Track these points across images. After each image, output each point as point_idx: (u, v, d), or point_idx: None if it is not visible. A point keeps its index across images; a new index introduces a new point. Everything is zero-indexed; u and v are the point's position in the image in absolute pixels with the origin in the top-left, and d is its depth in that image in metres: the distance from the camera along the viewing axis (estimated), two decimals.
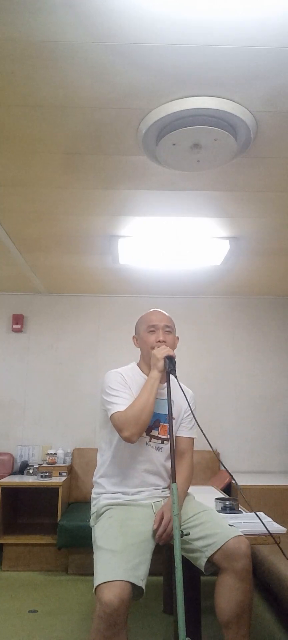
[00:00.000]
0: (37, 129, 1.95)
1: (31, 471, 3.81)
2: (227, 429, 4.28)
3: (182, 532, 1.59)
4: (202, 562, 1.71)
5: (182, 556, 1.78)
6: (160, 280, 4.03)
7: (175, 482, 1.60)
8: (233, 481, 3.56)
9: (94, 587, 1.55)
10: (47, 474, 3.64)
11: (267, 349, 4.47)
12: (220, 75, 1.65)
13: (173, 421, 1.99)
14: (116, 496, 1.89)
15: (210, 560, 1.69)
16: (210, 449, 4.06)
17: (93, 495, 1.98)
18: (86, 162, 2.20)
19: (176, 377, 1.85)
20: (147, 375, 1.92)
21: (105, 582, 1.51)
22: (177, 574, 1.50)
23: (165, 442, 1.94)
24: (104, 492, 1.92)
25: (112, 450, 1.93)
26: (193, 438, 2.04)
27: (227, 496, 2.67)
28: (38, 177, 2.34)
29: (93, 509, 1.93)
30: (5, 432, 4.21)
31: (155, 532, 1.74)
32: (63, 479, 3.66)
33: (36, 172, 2.29)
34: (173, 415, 1.99)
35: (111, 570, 1.55)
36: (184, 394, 1.88)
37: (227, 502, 2.19)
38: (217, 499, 2.21)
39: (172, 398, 1.87)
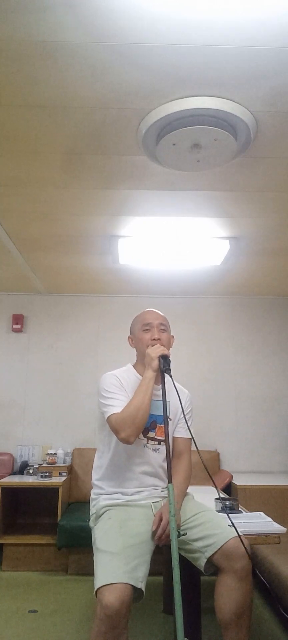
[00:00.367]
0: (37, 129, 1.95)
1: (31, 471, 3.81)
2: (226, 429, 4.28)
3: (178, 532, 1.59)
4: (201, 563, 1.71)
5: (182, 556, 1.79)
6: (160, 280, 4.03)
7: (171, 482, 1.60)
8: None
9: (95, 589, 1.55)
10: (47, 474, 3.64)
11: (267, 349, 4.47)
12: (220, 75, 1.65)
13: (170, 422, 1.99)
14: (115, 497, 1.89)
15: (209, 561, 1.69)
16: (210, 449, 4.09)
17: (92, 496, 1.98)
18: (86, 162, 2.20)
19: (171, 376, 1.84)
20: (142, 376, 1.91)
21: (106, 585, 1.51)
22: (174, 575, 1.50)
23: (162, 443, 1.94)
24: (103, 492, 1.92)
25: (110, 452, 1.93)
26: (190, 438, 2.04)
27: (227, 496, 2.67)
28: (38, 177, 2.34)
29: (92, 510, 1.93)
30: (5, 432, 4.21)
31: (154, 533, 1.74)
32: (63, 479, 3.66)
33: (36, 172, 2.29)
34: (170, 416, 1.99)
35: (111, 572, 1.55)
36: (178, 394, 1.87)
37: (227, 502, 2.19)
38: (216, 499, 2.21)
39: (168, 399, 1.87)
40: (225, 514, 1.89)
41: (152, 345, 1.93)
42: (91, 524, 1.91)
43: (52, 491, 3.60)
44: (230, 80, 1.67)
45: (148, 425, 1.92)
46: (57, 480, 3.62)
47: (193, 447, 1.93)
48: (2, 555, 3.49)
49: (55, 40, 1.50)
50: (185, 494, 1.94)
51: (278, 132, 1.96)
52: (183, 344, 4.41)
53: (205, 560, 1.69)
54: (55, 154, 2.13)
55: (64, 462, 3.92)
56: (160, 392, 1.84)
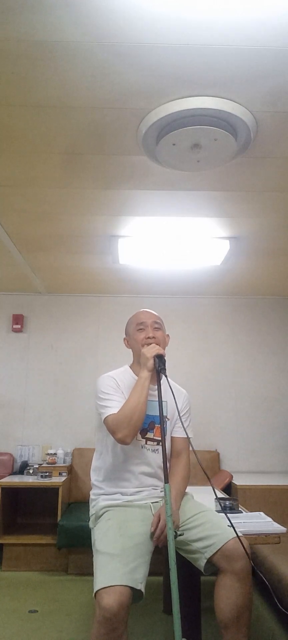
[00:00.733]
0: (37, 129, 1.95)
1: (31, 471, 3.81)
2: (226, 429, 4.28)
3: (175, 532, 1.59)
4: (201, 563, 1.71)
5: (182, 556, 1.79)
6: (160, 280, 4.03)
7: (167, 482, 1.61)
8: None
9: (94, 592, 1.55)
10: (47, 474, 3.64)
11: (267, 349, 4.47)
12: (220, 75, 1.65)
13: (168, 422, 1.99)
14: (115, 497, 1.89)
15: (209, 561, 1.69)
16: (210, 449, 4.09)
17: (92, 497, 1.98)
18: (86, 162, 2.20)
19: (166, 376, 1.84)
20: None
21: (105, 587, 1.51)
22: (171, 575, 1.50)
23: (160, 443, 1.94)
24: (102, 493, 1.92)
25: (108, 453, 1.93)
26: (189, 437, 2.04)
27: (227, 496, 2.67)
28: (38, 177, 2.34)
29: (92, 511, 1.93)
30: (5, 432, 4.21)
31: (153, 534, 1.74)
32: (63, 479, 3.66)
33: (36, 172, 2.29)
34: (168, 416, 1.99)
35: (110, 574, 1.55)
36: (173, 394, 1.86)
37: (227, 502, 2.19)
38: (216, 498, 2.21)
39: (165, 399, 1.87)
40: (225, 515, 1.89)
41: (147, 345, 1.93)
42: (91, 524, 1.91)
43: (52, 491, 3.60)
44: (230, 80, 1.67)
45: (146, 426, 1.92)
46: (57, 480, 3.62)
47: (201, 442, 1.92)
48: (2, 555, 3.49)
49: (55, 40, 1.50)
50: (183, 493, 1.94)
51: (278, 132, 1.96)
52: (183, 344, 4.41)
53: (205, 560, 1.69)
54: (55, 154, 2.13)
55: (64, 462, 3.92)
56: (157, 392, 1.84)
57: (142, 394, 1.82)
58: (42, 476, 3.62)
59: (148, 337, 1.96)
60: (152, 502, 1.88)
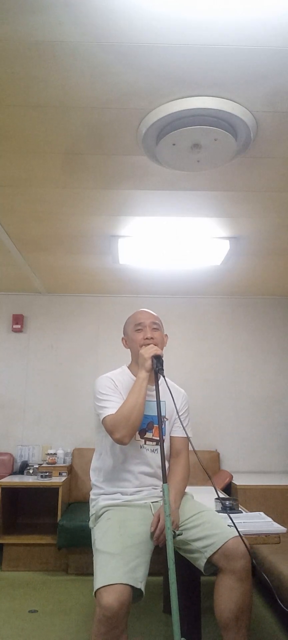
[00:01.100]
0: (37, 129, 1.95)
1: (31, 471, 3.81)
2: (226, 429, 4.28)
3: (174, 532, 1.59)
4: (201, 563, 1.71)
5: (182, 556, 1.79)
6: (160, 280, 4.03)
7: (166, 482, 1.61)
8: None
9: (94, 590, 1.55)
10: (47, 474, 3.64)
11: (267, 349, 4.47)
12: (220, 75, 1.65)
13: (167, 422, 2.00)
14: (115, 497, 1.89)
15: (209, 561, 1.69)
16: (210, 449, 4.09)
17: (91, 497, 1.98)
18: (86, 162, 2.20)
19: (164, 376, 1.84)
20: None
21: (105, 586, 1.51)
22: (170, 575, 1.50)
23: (159, 443, 1.93)
24: (102, 493, 1.92)
25: (107, 453, 1.93)
26: (188, 437, 2.04)
27: (227, 496, 2.67)
28: (38, 177, 2.34)
29: (92, 511, 1.93)
30: (5, 432, 4.21)
31: (152, 534, 1.74)
32: (63, 479, 3.66)
33: (36, 172, 2.29)
34: (166, 416, 1.99)
35: (110, 573, 1.55)
36: (171, 393, 1.87)
37: (227, 502, 2.19)
38: (216, 498, 2.21)
39: (163, 399, 1.87)
40: (226, 514, 1.90)
41: (145, 345, 1.93)
42: (91, 524, 1.91)
43: (52, 491, 3.60)
44: (230, 80, 1.67)
45: (145, 426, 1.92)
46: (57, 480, 3.62)
47: (201, 442, 1.92)
48: (2, 555, 3.49)
49: (55, 40, 1.50)
50: (183, 493, 1.94)
51: (278, 132, 1.96)
52: (183, 344, 4.41)
53: (205, 560, 1.69)
54: (55, 154, 2.13)
55: (64, 462, 3.92)
56: (155, 392, 1.84)
57: (140, 394, 1.82)
58: (42, 476, 3.62)
59: (147, 338, 1.96)
60: (151, 502, 1.88)
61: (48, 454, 3.88)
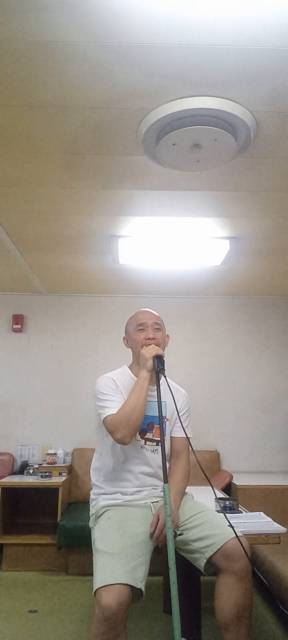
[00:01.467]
0: (37, 129, 1.95)
1: (31, 471, 3.81)
2: (226, 429, 4.28)
3: (175, 532, 1.59)
4: (201, 563, 1.71)
5: (182, 556, 1.79)
6: (160, 280, 4.03)
7: (167, 482, 1.61)
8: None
9: (93, 590, 1.55)
10: (47, 474, 3.64)
11: (267, 349, 4.47)
12: (220, 75, 1.65)
13: (167, 422, 2.00)
14: (115, 497, 1.89)
15: (209, 561, 1.69)
16: (210, 449, 4.09)
17: (92, 497, 1.98)
18: (86, 162, 2.20)
19: (165, 376, 1.84)
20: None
21: (104, 586, 1.51)
22: (170, 575, 1.50)
23: (160, 443, 1.93)
24: (102, 492, 1.92)
25: (108, 453, 1.93)
26: (188, 437, 2.04)
27: (227, 496, 2.67)
28: (38, 177, 2.34)
29: (92, 511, 1.93)
30: (5, 432, 4.21)
31: (152, 534, 1.74)
32: (63, 479, 3.66)
33: (36, 172, 2.29)
34: (167, 417, 1.99)
35: (109, 573, 1.55)
36: (172, 394, 1.87)
37: (227, 502, 2.19)
38: (216, 498, 2.21)
39: (164, 399, 1.87)
40: (226, 514, 1.89)
41: (147, 345, 1.93)
42: (91, 524, 1.91)
43: (52, 491, 3.60)
44: (230, 80, 1.67)
45: (145, 426, 1.92)
46: (57, 480, 3.62)
47: (201, 442, 1.92)
48: (2, 555, 3.49)
49: (55, 40, 1.50)
50: (183, 493, 1.94)
51: (278, 132, 1.96)
52: (184, 344, 4.41)
53: (205, 560, 1.69)
54: (55, 154, 2.13)
55: (64, 462, 3.92)
56: (156, 393, 1.84)
57: (141, 394, 1.82)
58: (42, 476, 3.62)
59: (148, 338, 1.96)
60: (152, 502, 1.88)
61: (48, 454, 3.88)
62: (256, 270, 3.75)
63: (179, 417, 1.91)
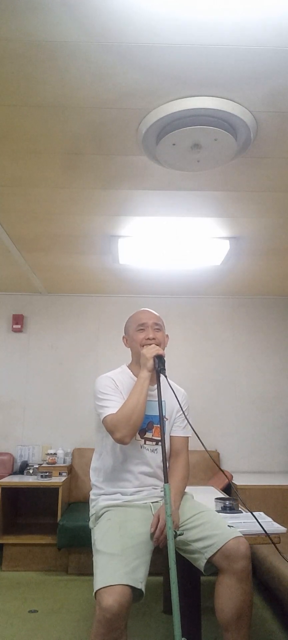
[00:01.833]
0: (37, 129, 1.95)
1: (31, 471, 3.81)
2: (226, 429, 4.28)
3: (175, 532, 1.59)
4: (201, 563, 1.71)
5: (182, 556, 1.79)
6: (160, 280, 4.03)
7: (167, 482, 1.61)
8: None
9: (94, 591, 1.55)
10: (47, 474, 3.64)
11: (267, 349, 4.47)
12: (220, 75, 1.65)
13: (167, 422, 1.99)
14: (115, 497, 1.88)
15: (209, 561, 1.69)
16: (210, 449, 4.08)
17: (91, 497, 1.98)
18: (86, 162, 2.20)
19: (166, 376, 1.84)
20: (137, 376, 1.91)
21: (105, 587, 1.51)
22: (171, 575, 1.50)
23: (159, 443, 1.93)
24: (102, 493, 1.92)
25: (107, 453, 1.93)
26: (187, 437, 2.04)
27: (227, 496, 2.67)
28: (38, 177, 2.34)
29: (92, 511, 1.93)
30: (5, 432, 4.21)
31: (152, 534, 1.74)
32: (63, 479, 3.66)
33: (36, 172, 2.29)
34: (166, 416, 1.99)
35: (110, 574, 1.54)
36: (174, 393, 1.87)
37: (227, 502, 2.19)
38: (216, 499, 2.21)
39: (163, 398, 1.87)
40: (226, 514, 1.90)
41: (147, 345, 1.93)
42: (91, 524, 1.91)
43: (52, 491, 3.60)
44: (230, 80, 1.67)
45: (145, 426, 1.92)
46: (57, 480, 3.62)
47: (193, 445, 1.92)
48: (2, 555, 3.49)
49: (55, 40, 1.50)
50: (183, 493, 1.94)
51: (278, 132, 1.96)
52: (184, 344, 4.41)
53: (205, 561, 1.69)
54: (55, 154, 2.13)
55: (64, 462, 3.92)
56: (156, 392, 1.83)
57: (141, 394, 1.82)
58: (42, 476, 3.62)
59: (148, 338, 1.96)
60: (152, 502, 1.88)
61: (48, 454, 3.88)
62: (256, 270, 3.75)
63: (185, 415, 1.92)
